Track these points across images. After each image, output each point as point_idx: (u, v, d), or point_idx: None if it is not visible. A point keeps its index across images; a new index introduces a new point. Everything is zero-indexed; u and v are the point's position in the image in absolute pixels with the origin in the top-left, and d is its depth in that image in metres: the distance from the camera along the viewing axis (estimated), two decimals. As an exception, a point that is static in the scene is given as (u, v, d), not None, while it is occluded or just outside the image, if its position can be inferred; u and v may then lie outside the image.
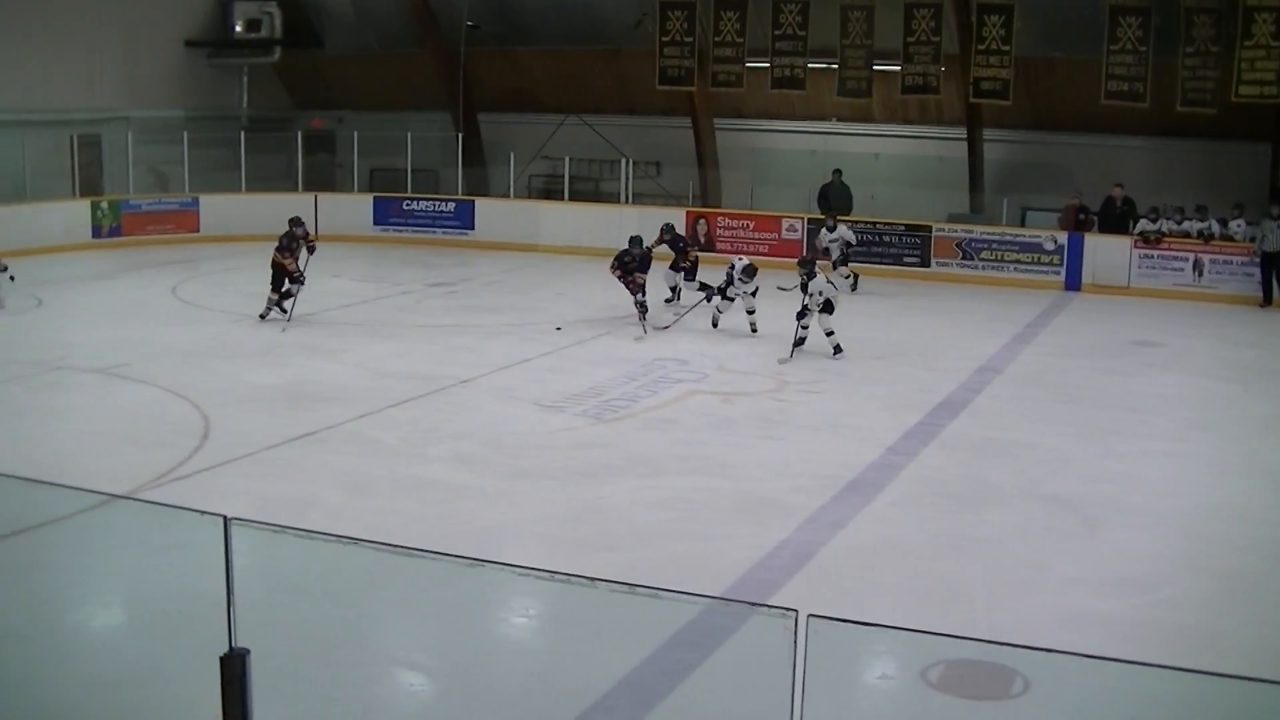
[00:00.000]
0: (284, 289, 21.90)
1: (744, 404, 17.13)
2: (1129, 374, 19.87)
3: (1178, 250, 27.37)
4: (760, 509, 12.84)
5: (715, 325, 22.06)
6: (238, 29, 37.41)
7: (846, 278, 26.18)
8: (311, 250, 22.12)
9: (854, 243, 27.01)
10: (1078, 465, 14.73)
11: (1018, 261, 28.44)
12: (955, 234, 29.14)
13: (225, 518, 4.79)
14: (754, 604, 4.46)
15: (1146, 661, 5.55)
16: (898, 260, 29.33)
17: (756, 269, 21.44)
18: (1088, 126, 29.64)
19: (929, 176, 31.27)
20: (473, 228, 32.92)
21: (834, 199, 30.39)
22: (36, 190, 31.91)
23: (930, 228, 29.34)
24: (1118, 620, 10.33)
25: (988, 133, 31.06)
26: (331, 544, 5.69)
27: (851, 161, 31.40)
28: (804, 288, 19.89)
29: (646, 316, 21.62)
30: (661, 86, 32.50)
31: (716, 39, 31.69)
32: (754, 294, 21.47)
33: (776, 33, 30.97)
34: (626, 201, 32.01)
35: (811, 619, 4.04)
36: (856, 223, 29.27)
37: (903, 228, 29.53)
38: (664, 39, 32.13)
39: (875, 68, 30.49)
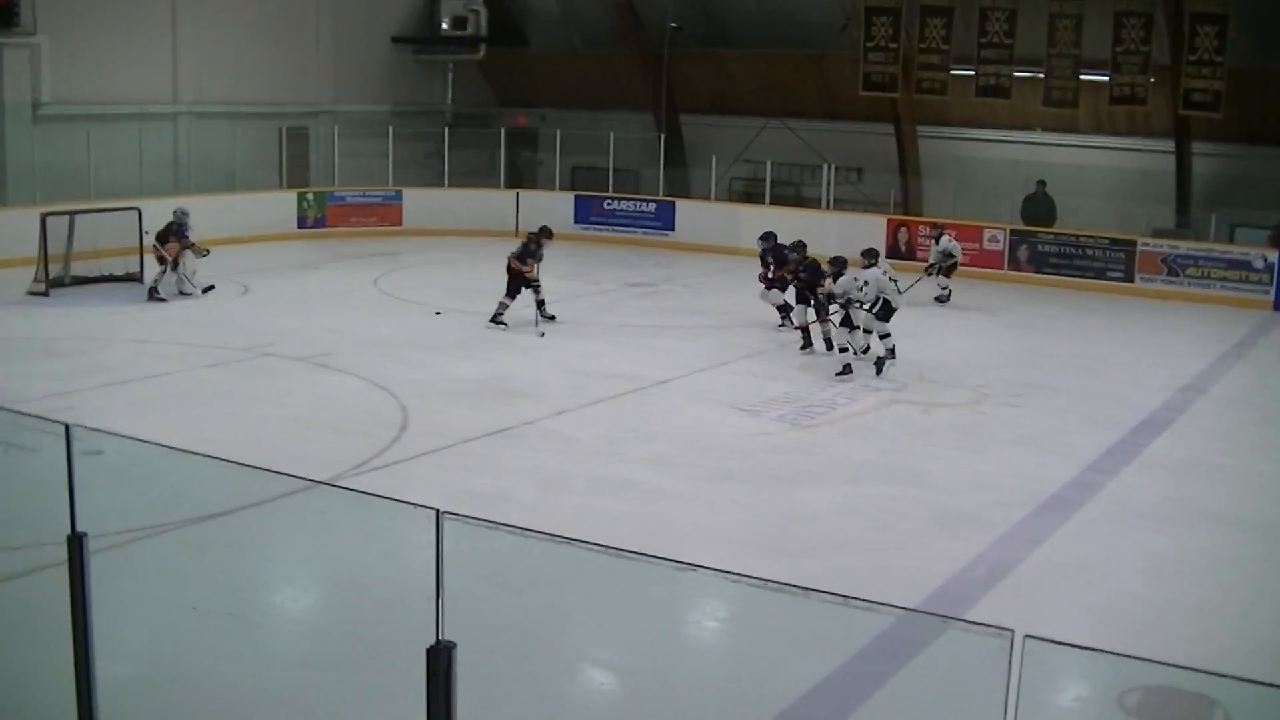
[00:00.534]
0: (520, 297, 21.87)
1: (944, 415, 16.99)
2: (1341, 399, 19.32)
3: (1396, 270, 26.51)
4: (957, 522, 12.74)
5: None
6: (444, 26, 38.17)
7: (944, 289, 25.79)
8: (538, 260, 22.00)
9: (957, 257, 26.25)
10: (1285, 491, 14.37)
11: (1225, 279, 27.70)
12: (1160, 249, 28.46)
13: (438, 511, 4.91)
14: (970, 622, 4.41)
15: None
16: (1100, 275, 28.75)
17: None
18: (1302, 141, 28.81)
19: (1134, 190, 30.58)
20: (673, 229, 33.06)
21: (1037, 210, 30.01)
22: (245, 181, 32.96)
23: (1135, 242, 28.68)
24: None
25: (1197, 145, 30.24)
26: (528, 539, 5.78)
27: (1055, 172, 30.88)
28: (831, 296, 19.47)
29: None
30: (865, 92, 32.32)
31: (921, 45, 31.44)
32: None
33: (982, 40, 30.62)
34: (828, 207, 31.89)
35: (1028, 639, 4.01)
36: (1060, 235, 28.89)
37: (1107, 242, 28.91)
38: (868, 44, 31.97)
39: (1082, 77, 29.94)
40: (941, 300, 25.71)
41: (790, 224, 29.75)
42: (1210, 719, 8.05)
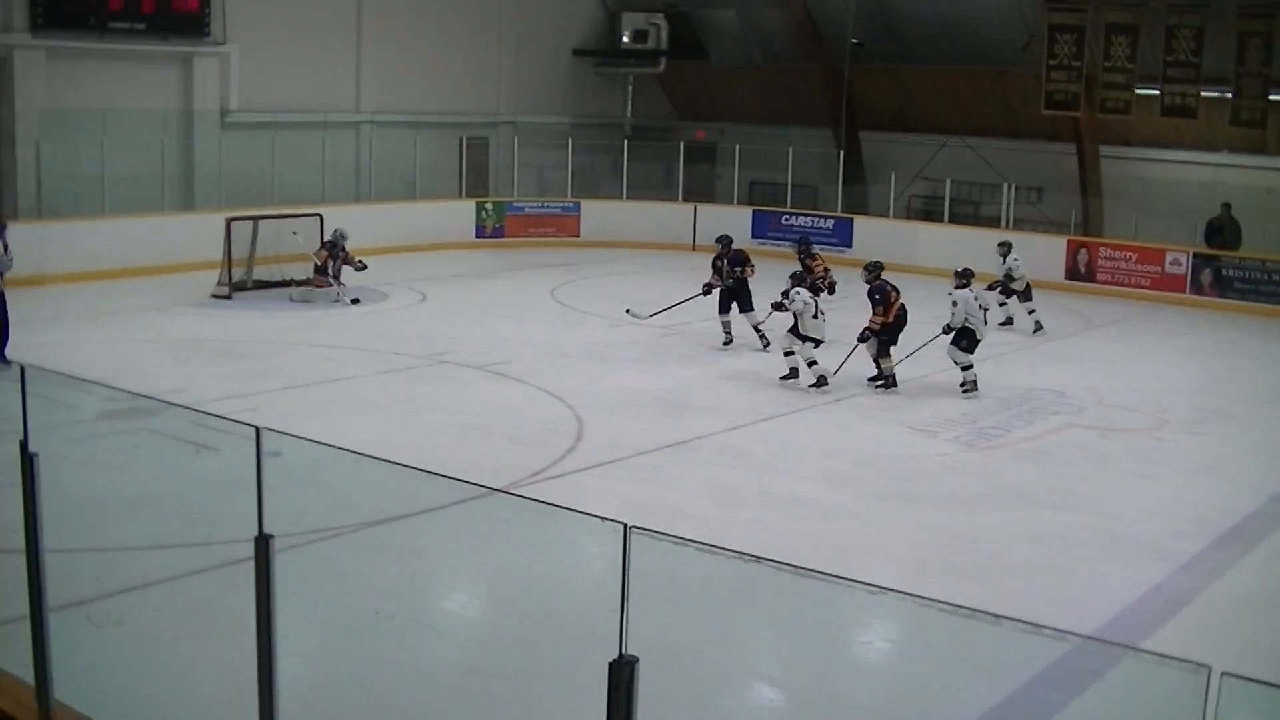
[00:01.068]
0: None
1: (1122, 440, 16.76)
2: None
3: None
4: (1134, 550, 12.58)
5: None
6: (625, 39, 38.54)
7: (1003, 304, 24.34)
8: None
9: (1016, 279, 24.36)
10: None
11: None
12: (1352, 275, 27.78)
13: (625, 525, 5.01)
14: (1163, 655, 4.35)
15: None
16: (1290, 301, 28.13)
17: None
18: None
19: (1327, 214, 29.89)
20: (850, 245, 32.84)
21: (1223, 233, 29.42)
22: (425, 189, 33.57)
23: (1324, 267, 28.04)
24: None
25: (1392, 167, 29.53)
26: (702, 553, 5.85)
27: (1242, 195, 30.19)
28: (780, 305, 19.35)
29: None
30: (1047, 111, 31.94)
31: (1106, 64, 30.99)
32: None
33: (1168, 59, 30.07)
34: (1007, 226, 31.48)
35: (1225, 678, 3.97)
36: (1245, 259, 28.30)
37: (1296, 267, 28.32)
38: (1051, 62, 31.60)
39: (1271, 97, 29.29)
40: (1006, 324, 24.17)
41: (969, 243, 29.55)
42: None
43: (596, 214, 35.10)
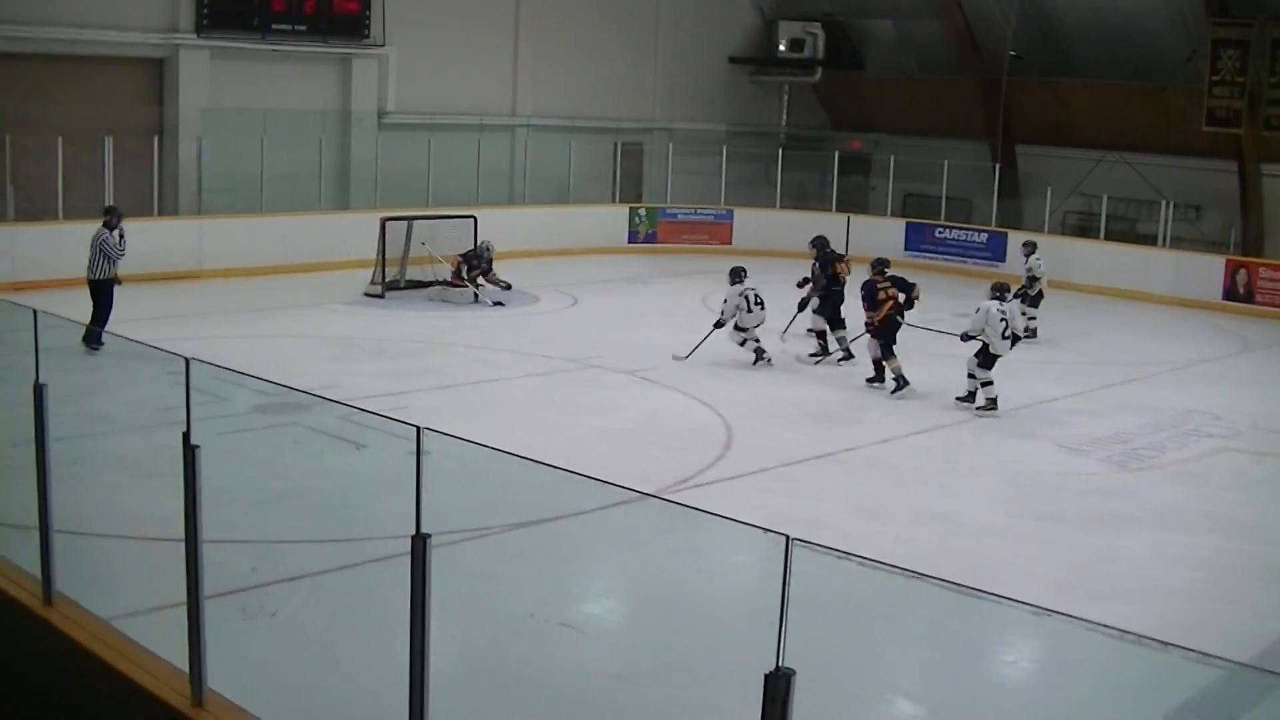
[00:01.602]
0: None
1: (1278, 465, 16.48)
2: None
3: None
4: (1288, 578, 12.38)
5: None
6: (782, 48, 38.62)
7: (1030, 318, 23.44)
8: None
9: (1042, 282, 24.10)
10: None
11: None
12: None
13: (788, 537, 5.04)
14: None
15: None
16: None
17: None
18: None
19: None
20: (1004, 260, 32.42)
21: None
22: (579, 194, 33.81)
23: None
24: None
25: None
26: (845, 562, 5.85)
27: None
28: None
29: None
30: (1208, 128, 31.35)
31: (1271, 80, 30.37)
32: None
33: (1337, 76, 29.51)
34: (1164, 245, 31.03)
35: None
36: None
37: None
38: (1214, 78, 31.00)
39: None
40: (1028, 335, 22.89)
41: (1124, 261, 29.15)
42: None
43: (749, 222, 35.12)
